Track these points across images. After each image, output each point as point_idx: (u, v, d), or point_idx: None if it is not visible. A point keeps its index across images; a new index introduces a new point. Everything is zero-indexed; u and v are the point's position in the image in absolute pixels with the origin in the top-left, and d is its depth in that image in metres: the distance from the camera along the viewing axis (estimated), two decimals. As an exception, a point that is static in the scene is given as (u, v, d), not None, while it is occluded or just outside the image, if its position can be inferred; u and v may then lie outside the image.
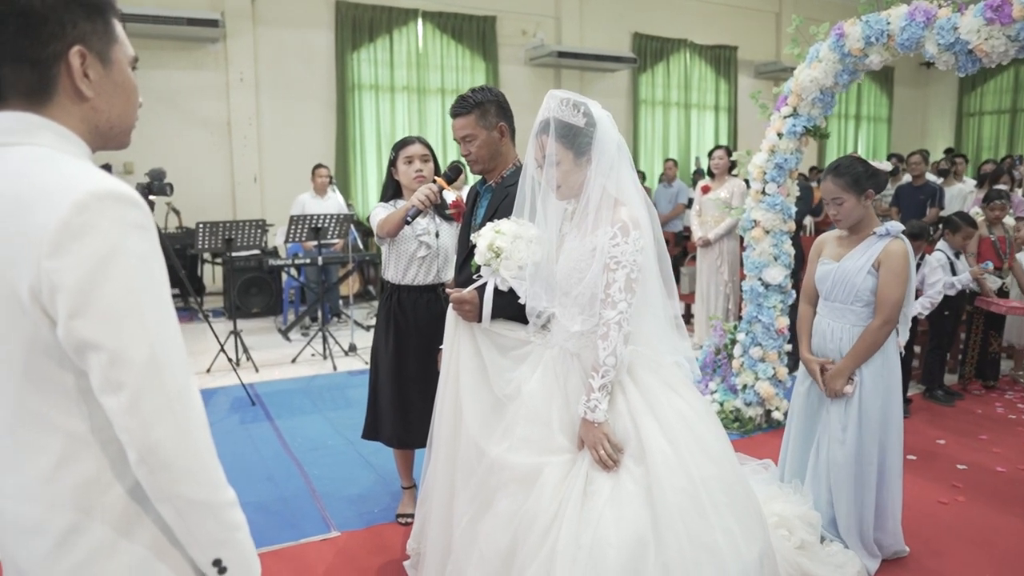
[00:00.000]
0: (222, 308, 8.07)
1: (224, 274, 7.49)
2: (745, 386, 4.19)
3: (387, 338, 3.02)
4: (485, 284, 2.26)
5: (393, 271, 3.03)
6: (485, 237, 2.21)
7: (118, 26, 1.11)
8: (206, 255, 8.20)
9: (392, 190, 3.08)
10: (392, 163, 3.05)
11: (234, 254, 7.15)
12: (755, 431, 4.19)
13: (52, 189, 0.97)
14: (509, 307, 2.22)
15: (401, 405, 2.99)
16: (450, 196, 2.91)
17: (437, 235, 3.00)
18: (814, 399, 2.77)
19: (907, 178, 7.25)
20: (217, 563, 1.06)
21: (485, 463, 2.14)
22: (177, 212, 8.17)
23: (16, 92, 1.04)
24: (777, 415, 4.14)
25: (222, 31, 8.56)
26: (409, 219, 2.68)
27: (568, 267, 2.10)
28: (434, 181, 2.79)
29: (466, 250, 2.61)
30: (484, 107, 2.52)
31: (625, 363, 2.02)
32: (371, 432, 3.11)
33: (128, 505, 1.05)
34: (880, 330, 2.55)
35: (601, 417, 1.98)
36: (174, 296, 7.60)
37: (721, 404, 4.29)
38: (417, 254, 2.98)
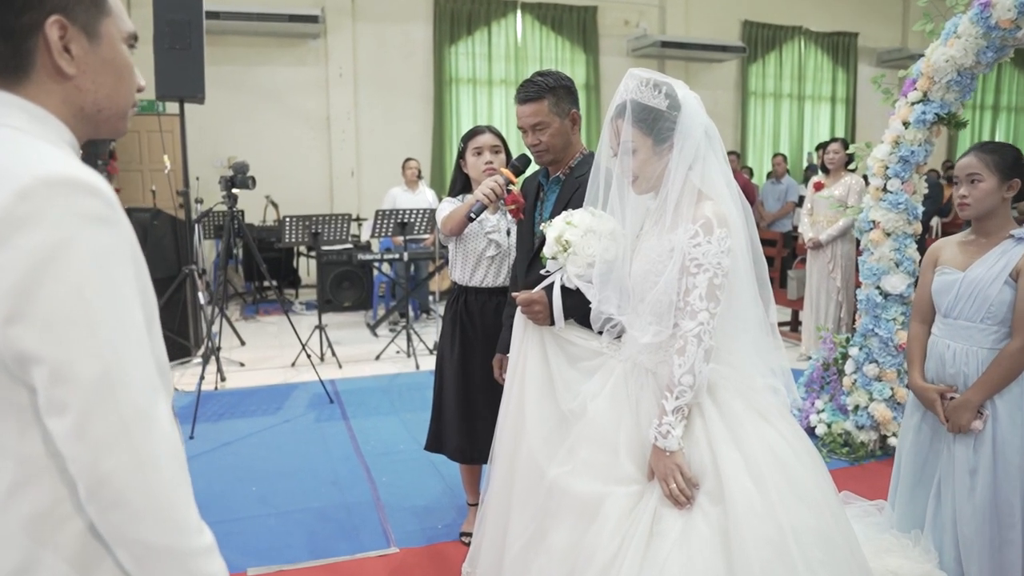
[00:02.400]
0: (316, 301, 8.16)
1: (317, 268, 7.56)
2: (857, 407, 3.73)
3: (452, 344, 2.81)
4: (554, 283, 2.03)
5: (460, 271, 2.81)
6: (555, 228, 1.98)
7: (114, 1, 0.97)
8: (301, 248, 8.31)
9: (460, 184, 2.86)
10: (461, 155, 2.84)
11: (325, 248, 7.20)
12: (867, 458, 3.72)
13: (2, 175, 0.83)
14: (583, 307, 1.98)
15: (466, 417, 2.78)
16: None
17: (508, 233, 2.77)
18: (928, 434, 2.33)
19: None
20: None
21: (545, 484, 1.90)
22: (275, 205, 8.32)
23: None
24: (894, 441, 3.65)
25: (322, 27, 8.67)
26: (473, 215, 2.45)
27: (644, 269, 1.82)
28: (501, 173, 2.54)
29: (528, 249, 2.37)
30: (555, 92, 2.28)
31: (705, 383, 1.72)
32: (435, 444, 2.91)
33: (87, 544, 0.90)
34: (1021, 354, 2.10)
35: (674, 445, 1.69)
36: (265, 289, 7.73)
37: (829, 426, 3.85)
38: (486, 253, 2.76)
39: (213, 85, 8.02)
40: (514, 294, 2.13)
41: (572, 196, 2.23)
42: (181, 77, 5.02)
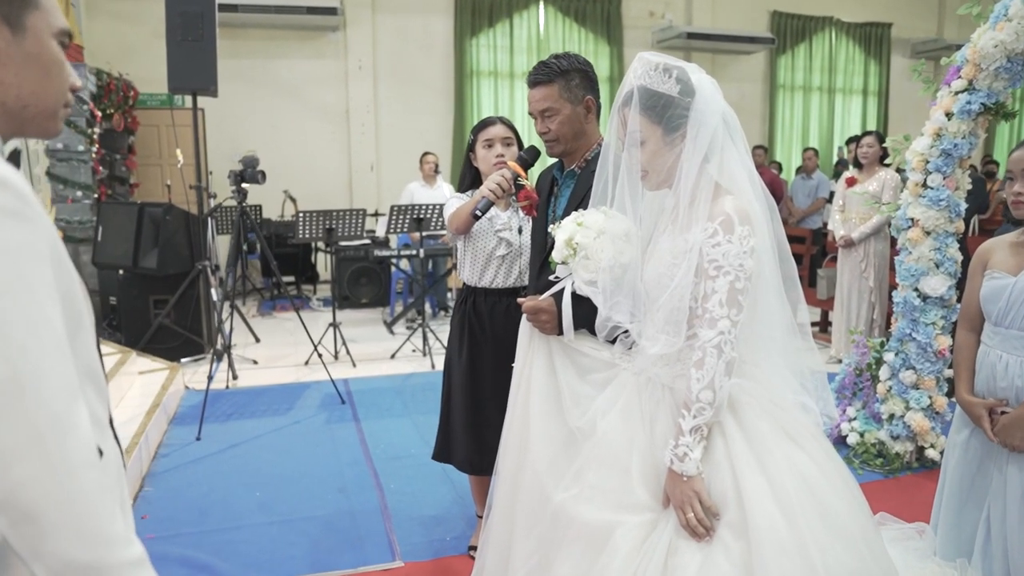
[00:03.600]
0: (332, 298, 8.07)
1: (333, 263, 7.46)
2: (892, 416, 3.52)
3: (461, 348, 2.66)
4: (563, 289, 1.86)
5: (469, 272, 2.66)
6: (565, 230, 1.81)
7: None
8: (320, 244, 8.23)
9: (470, 179, 2.70)
10: (470, 148, 2.67)
11: (343, 244, 7.10)
12: (903, 471, 3.50)
13: None
14: (595, 316, 1.81)
15: (475, 425, 2.63)
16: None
17: (520, 231, 2.61)
18: (977, 453, 2.12)
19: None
20: None
21: (550, 509, 1.74)
22: (293, 200, 8.24)
23: None
24: (932, 453, 3.44)
25: (341, 19, 8.56)
26: (478, 212, 2.29)
27: (657, 272, 1.65)
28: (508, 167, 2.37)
29: (540, 250, 2.21)
30: (569, 76, 2.10)
31: (726, 400, 1.54)
32: (442, 453, 2.76)
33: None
34: None
35: (692, 469, 1.52)
36: (283, 284, 7.72)
37: (861, 435, 3.64)
38: (496, 252, 2.60)
39: (231, 79, 8.00)
40: (520, 300, 1.97)
41: (587, 192, 2.06)
42: (193, 70, 4.92)
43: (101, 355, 1.11)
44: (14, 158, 6.44)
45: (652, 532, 1.57)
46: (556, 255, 1.84)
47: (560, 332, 1.87)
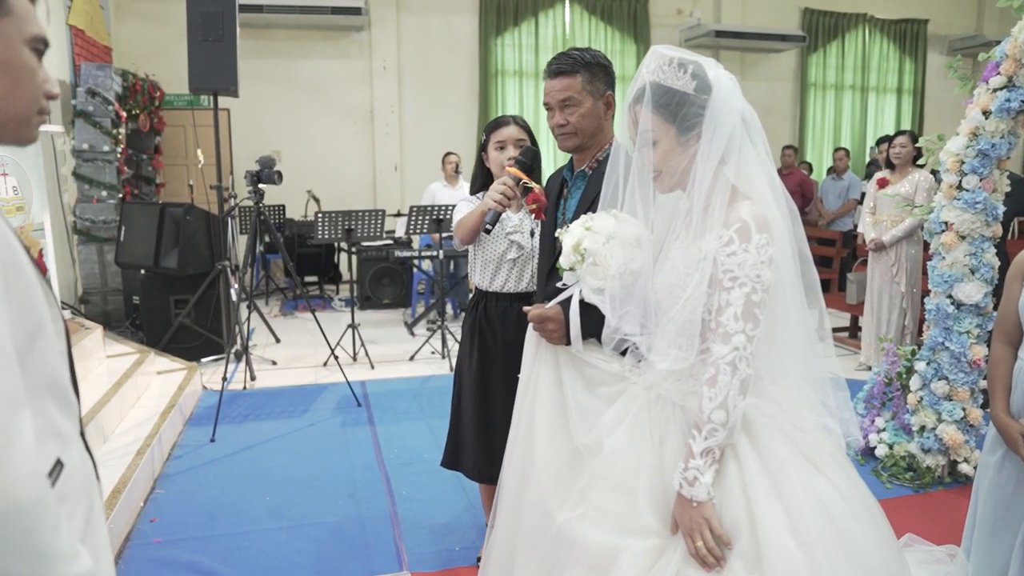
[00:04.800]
0: (354, 298, 8.06)
1: (356, 264, 7.45)
2: (923, 428, 3.37)
3: (471, 354, 2.59)
4: (571, 297, 1.78)
5: (480, 275, 2.58)
6: (573, 234, 1.72)
7: (18, 1, 0.93)
8: (342, 244, 8.23)
9: (481, 180, 2.62)
10: (483, 148, 2.59)
11: (365, 244, 7.08)
12: (934, 486, 3.35)
13: None
14: (603, 325, 1.72)
15: (485, 433, 2.55)
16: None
17: (532, 233, 2.52)
18: (1012, 475, 1.99)
19: None
20: None
21: (553, 530, 1.65)
22: (317, 200, 8.23)
23: None
24: (966, 468, 3.29)
25: (366, 19, 8.54)
26: (488, 226, 2.18)
27: (669, 282, 1.55)
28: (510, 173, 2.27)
29: (549, 255, 2.12)
30: (592, 69, 2.03)
31: (739, 420, 1.44)
32: (451, 460, 2.69)
33: None
34: None
35: (703, 495, 1.42)
36: (306, 284, 7.72)
37: (891, 447, 3.49)
38: (507, 256, 2.52)
39: (256, 79, 8.03)
40: (526, 308, 1.89)
41: (598, 194, 1.97)
42: (214, 69, 4.91)
43: (73, 365, 1.06)
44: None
45: (659, 559, 1.48)
46: (563, 261, 1.75)
47: (568, 342, 1.79)
